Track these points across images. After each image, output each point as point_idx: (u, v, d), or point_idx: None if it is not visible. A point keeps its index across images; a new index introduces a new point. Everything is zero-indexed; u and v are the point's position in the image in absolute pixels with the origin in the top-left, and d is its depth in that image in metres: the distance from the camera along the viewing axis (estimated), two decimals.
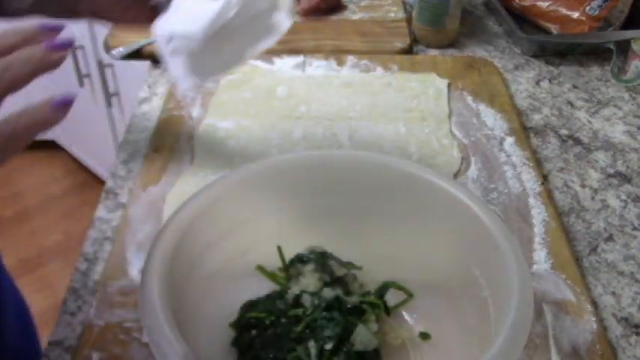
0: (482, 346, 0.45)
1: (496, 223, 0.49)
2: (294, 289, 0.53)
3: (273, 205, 0.56)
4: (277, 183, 0.55)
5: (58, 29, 0.43)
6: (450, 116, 0.80)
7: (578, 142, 0.79)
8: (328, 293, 0.51)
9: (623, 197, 0.71)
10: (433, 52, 0.96)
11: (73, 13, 0.58)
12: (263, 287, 0.55)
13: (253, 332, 0.52)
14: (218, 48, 0.54)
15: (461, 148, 0.75)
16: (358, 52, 0.92)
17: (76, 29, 1.66)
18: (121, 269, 0.60)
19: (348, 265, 0.56)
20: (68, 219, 2.03)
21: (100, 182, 2.08)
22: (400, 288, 0.55)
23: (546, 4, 0.99)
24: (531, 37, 0.96)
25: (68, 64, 1.70)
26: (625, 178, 0.74)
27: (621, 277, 0.62)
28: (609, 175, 0.74)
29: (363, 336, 0.49)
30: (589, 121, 0.82)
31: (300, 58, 0.90)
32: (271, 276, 0.56)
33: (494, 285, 0.48)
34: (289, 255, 0.56)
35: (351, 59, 0.90)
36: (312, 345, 0.48)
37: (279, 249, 0.56)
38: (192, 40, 0.53)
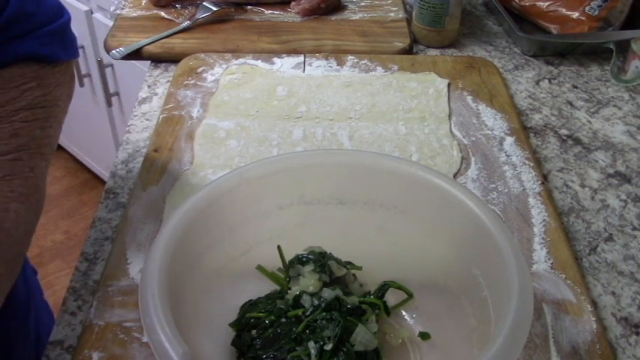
0: (482, 346, 0.45)
1: (496, 223, 0.49)
2: (294, 289, 0.53)
3: (273, 205, 0.56)
4: (277, 183, 0.55)
5: None
6: (450, 116, 0.80)
7: (578, 142, 0.79)
8: (328, 293, 0.51)
9: (623, 197, 0.71)
10: (433, 52, 0.96)
11: None
12: (263, 287, 0.56)
13: (253, 332, 0.52)
14: None
15: (461, 148, 0.75)
16: (358, 52, 0.92)
17: (76, 29, 1.66)
18: (121, 269, 0.60)
19: (348, 265, 0.56)
20: (68, 219, 2.03)
21: (100, 182, 2.08)
22: (400, 288, 0.55)
23: (546, 4, 0.99)
24: (531, 37, 0.96)
25: None
26: (625, 178, 0.74)
27: (621, 277, 0.62)
28: (609, 175, 0.74)
29: (363, 336, 0.49)
30: (589, 121, 0.82)
31: (300, 58, 0.90)
32: (271, 276, 0.56)
33: (494, 285, 0.48)
34: (289, 255, 0.56)
35: (351, 59, 0.90)
36: (312, 345, 0.48)
37: (279, 249, 0.56)
38: None
